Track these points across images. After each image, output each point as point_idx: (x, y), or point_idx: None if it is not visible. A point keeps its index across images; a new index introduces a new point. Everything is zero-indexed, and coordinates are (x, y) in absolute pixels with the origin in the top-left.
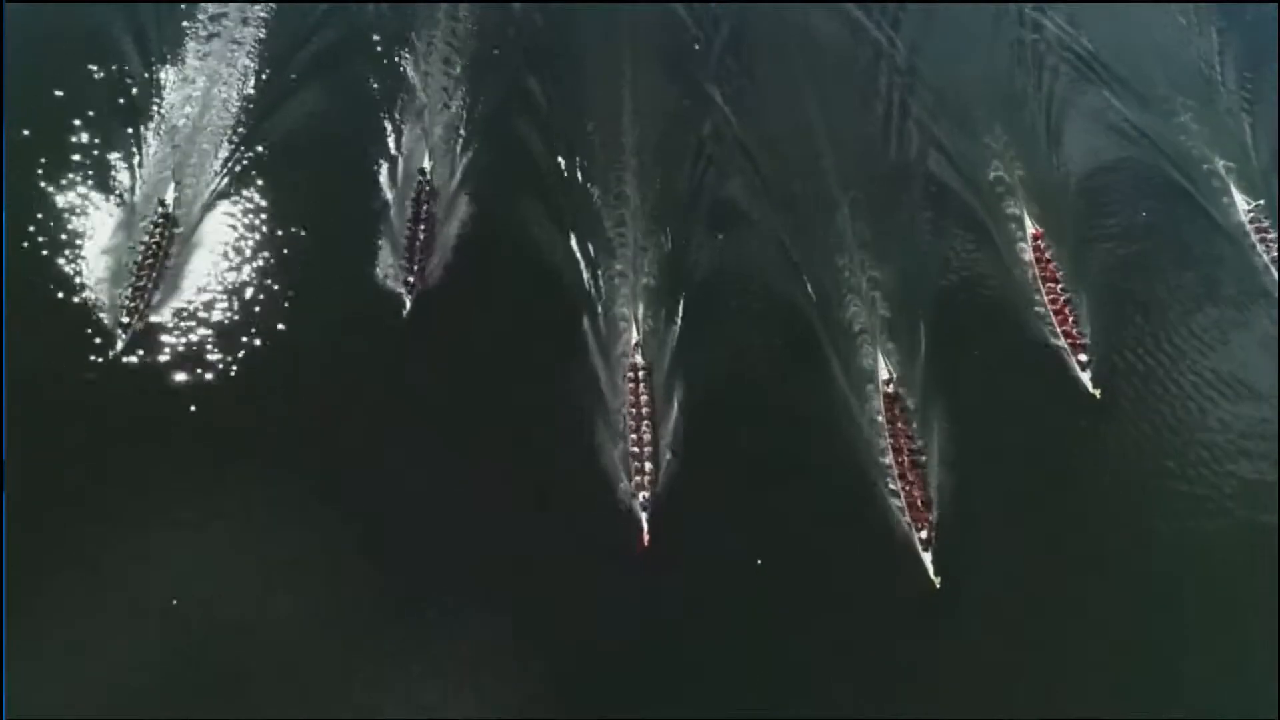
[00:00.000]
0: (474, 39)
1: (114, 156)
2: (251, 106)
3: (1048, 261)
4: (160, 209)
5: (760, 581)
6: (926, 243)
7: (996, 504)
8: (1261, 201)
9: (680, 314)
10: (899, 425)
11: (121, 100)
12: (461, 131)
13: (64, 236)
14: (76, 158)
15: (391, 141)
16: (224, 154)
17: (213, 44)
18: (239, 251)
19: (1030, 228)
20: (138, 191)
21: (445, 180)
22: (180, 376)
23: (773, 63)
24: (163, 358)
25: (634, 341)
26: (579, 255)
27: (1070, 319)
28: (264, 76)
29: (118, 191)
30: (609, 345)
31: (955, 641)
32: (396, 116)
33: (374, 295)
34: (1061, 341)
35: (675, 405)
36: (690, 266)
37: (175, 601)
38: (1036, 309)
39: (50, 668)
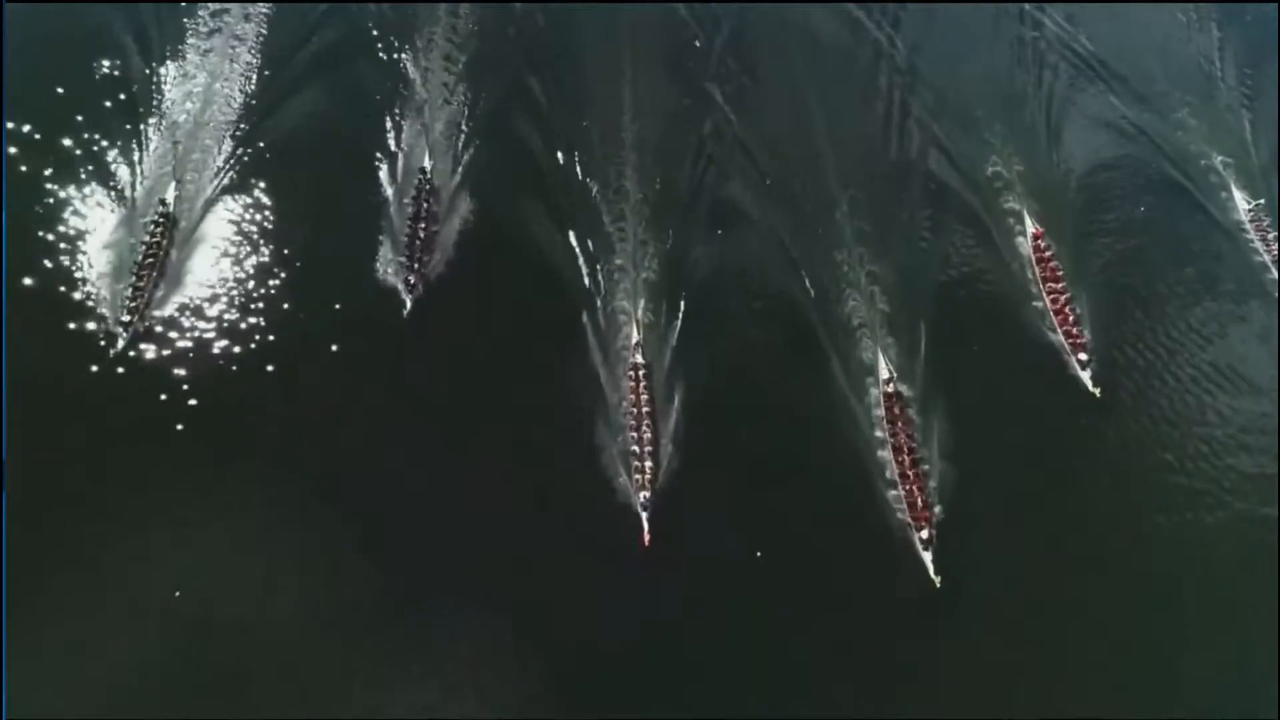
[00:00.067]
0: (474, 38)
1: (115, 155)
2: (252, 105)
3: (1048, 261)
4: (161, 208)
5: (760, 581)
6: (926, 241)
7: (996, 503)
8: (1262, 200)
9: (680, 312)
10: (899, 424)
11: (122, 99)
12: (462, 130)
13: (65, 235)
14: (77, 157)
15: (392, 140)
16: (225, 153)
17: (213, 42)
18: (239, 250)
19: (1030, 227)
20: (138, 190)
21: (446, 179)
22: (180, 376)
23: (773, 62)
24: (163, 357)
25: (634, 341)
26: (579, 254)
27: (1071, 319)
28: (264, 75)
29: (118, 190)
30: (609, 344)
31: (955, 641)
32: (397, 115)
33: (374, 294)
34: (1062, 341)
35: (675, 404)
36: (690, 265)
37: (178, 593)
38: (1035, 305)
39: (50, 668)
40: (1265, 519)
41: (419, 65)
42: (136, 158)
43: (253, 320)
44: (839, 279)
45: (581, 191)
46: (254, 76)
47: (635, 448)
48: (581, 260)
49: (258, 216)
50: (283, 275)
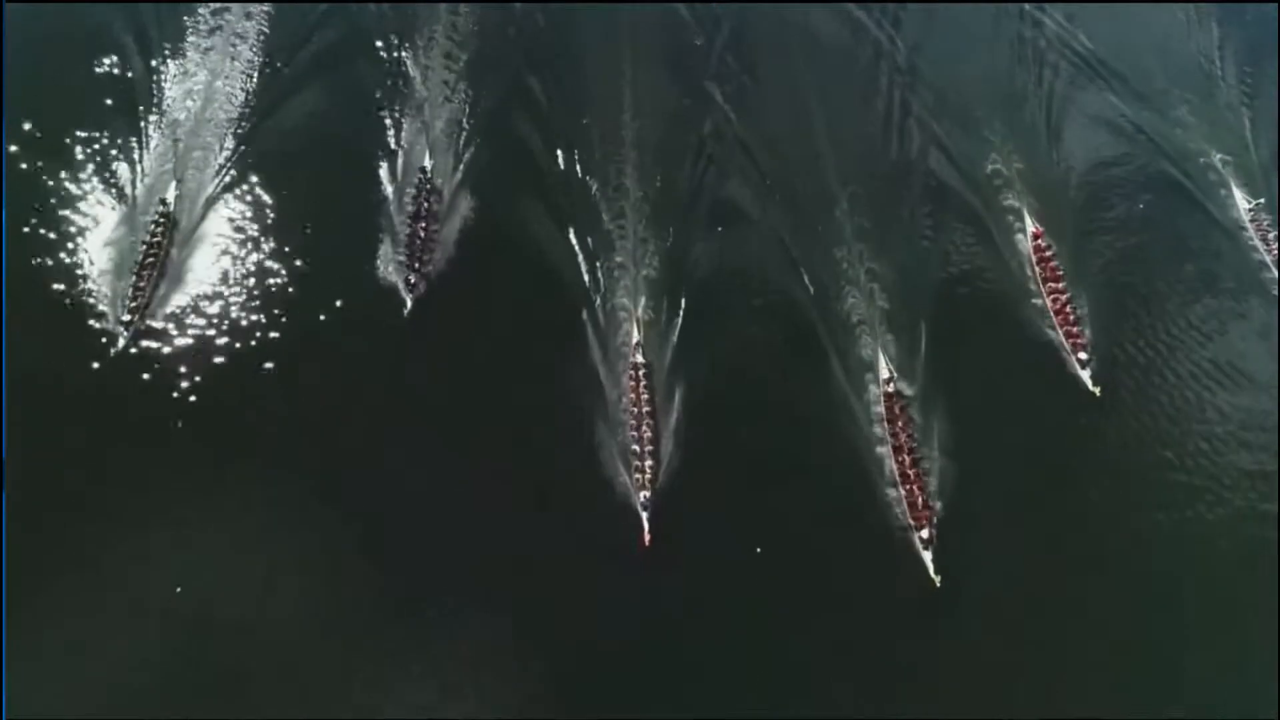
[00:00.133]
0: (475, 37)
1: (115, 155)
2: (253, 105)
3: (1049, 260)
4: (162, 207)
5: (760, 581)
6: (927, 240)
7: (997, 502)
8: (1262, 200)
9: (681, 311)
10: (899, 424)
11: (122, 98)
12: (462, 129)
13: (65, 235)
14: (77, 156)
15: (392, 139)
16: (225, 152)
17: (214, 41)
18: (240, 250)
19: (1030, 226)
20: (139, 189)
21: (446, 178)
22: (181, 375)
23: (773, 61)
24: (164, 356)
25: (635, 340)
26: (579, 253)
27: (1071, 318)
28: (265, 75)
29: (119, 190)
30: (609, 343)
31: (955, 641)
32: (397, 114)
33: (374, 294)
34: (1062, 340)
35: (676, 404)
36: (691, 263)
37: (179, 589)
38: (1035, 304)
39: (50, 667)
40: (1265, 515)
41: (419, 64)
42: (137, 157)
43: (253, 319)
44: (839, 277)
45: (581, 191)
46: (255, 75)
47: (635, 447)
48: (581, 259)
49: (258, 216)
50: (283, 275)
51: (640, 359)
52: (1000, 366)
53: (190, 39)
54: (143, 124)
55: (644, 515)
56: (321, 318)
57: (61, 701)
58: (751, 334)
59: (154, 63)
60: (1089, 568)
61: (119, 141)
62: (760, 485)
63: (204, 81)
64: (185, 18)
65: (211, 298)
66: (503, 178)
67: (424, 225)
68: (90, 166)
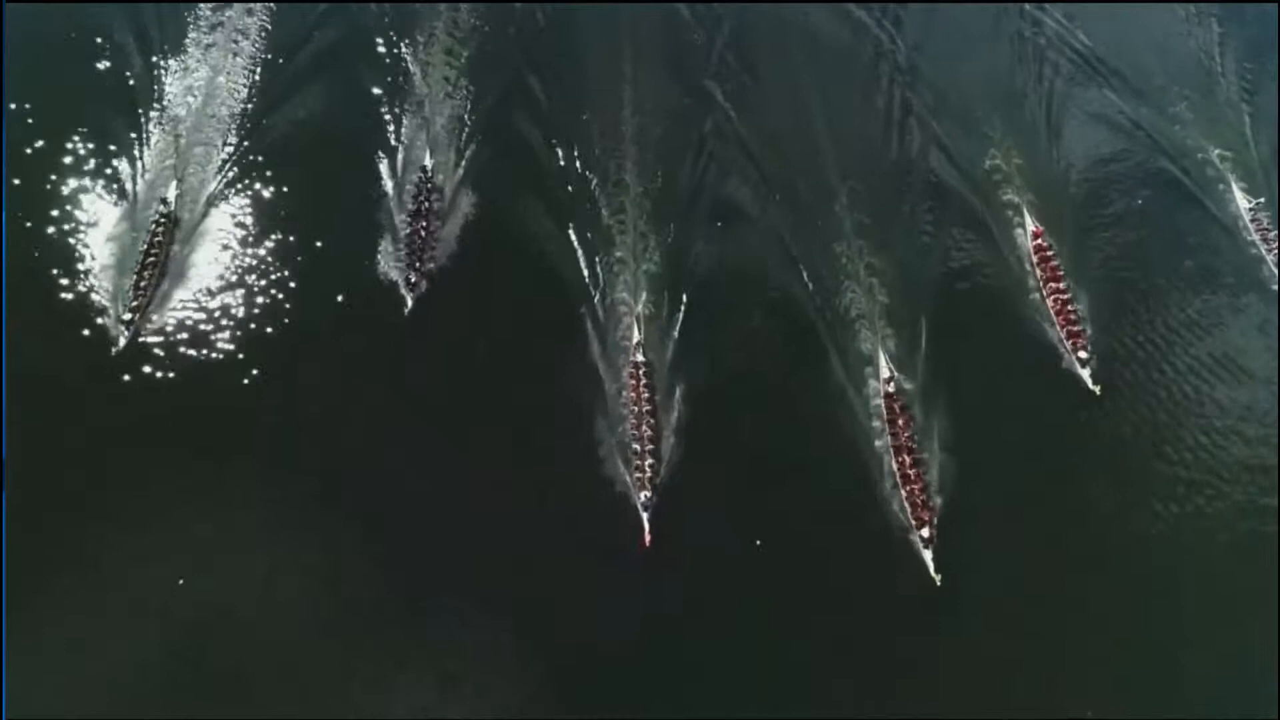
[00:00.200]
0: (475, 36)
1: (116, 153)
2: (253, 104)
3: (1049, 260)
4: (163, 206)
5: (761, 580)
6: (927, 238)
7: (997, 500)
8: (1262, 199)
9: (681, 310)
10: (899, 423)
11: (123, 98)
12: (463, 128)
13: (66, 234)
14: (78, 156)
15: (393, 138)
16: (226, 152)
17: (214, 41)
18: (240, 249)
19: (1030, 225)
20: (140, 189)
21: (446, 176)
22: (181, 375)
23: (773, 60)
24: (164, 356)
25: (635, 340)
26: (580, 253)
27: (1072, 317)
28: (265, 73)
29: (119, 189)
30: (610, 343)
31: (955, 639)
32: (398, 113)
33: (375, 292)
34: (1062, 338)
35: (676, 403)
36: (691, 263)
37: (181, 581)
38: (1035, 303)
39: (50, 667)
40: (1265, 509)
41: (420, 63)
42: (138, 155)
43: (253, 318)
44: (839, 274)
45: (582, 189)
46: (255, 75)
47: (636, 445)
48: (582, 257)
49: (259, 215)
50: (283, 274)
51: (641, 357)
52: (1000, 365)
53: (191, 37)
54: (143, 122)
55: (644, 515)
56: (322, 316)
57: (61, 701)
58: (752, 332)
59: (155, 60)
60: (1089, 565)
61: (120, 140)
62: (760, 484)
63: (205, 79)
64: (186, 15)
65: (212, 297)
66: (503, 176)
67: (424, 223)
68: (91, 165)
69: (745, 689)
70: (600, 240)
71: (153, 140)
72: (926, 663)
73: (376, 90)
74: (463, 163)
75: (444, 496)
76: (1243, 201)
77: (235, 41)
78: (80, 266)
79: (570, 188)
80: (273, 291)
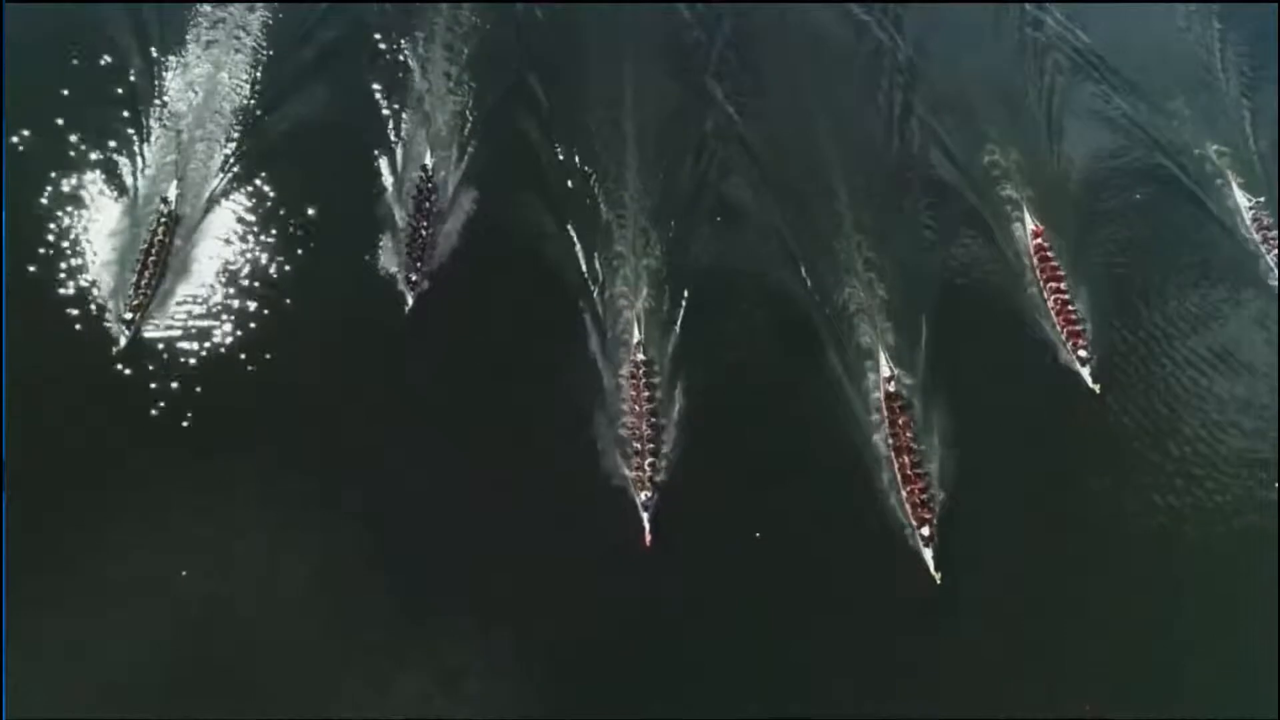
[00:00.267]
0: (476, 36)
1: (116, 154)
2: (254, 103)
3: (1048, 259)
4: (163, 206)
5: (761, 580)
6: (927, 238)
7: (996, 500)
8: (1262, 198)
9: (682, 309)
10: (900, 422)
11: (123, 97)
12: (463, 126)
13: (66, 234)
14: (78, 155)
15: (393, 138)
16: (226, 149)
17: (215, 40)
18: (241, 248)
19: (1030, 224)
20: (140, 188)
21: (447, 176)
22: (181, 374)
23: (774, 60)
24: (164, 355)
25: (636, 339)
26: (580, 252)
27: (1072, 317)
28: (266, 73)
29: (120, 188)
30: (611, 343)
31: (955, 640)
32: (398, 112)
33: (376, 292)
34: (1063, 338)
35: (677, 403)
36: (692, 263)
37: (184, 572)
38: (1035, 302)
39: (50, 667)
40: (1266, 505)
41: (421, 61)
42: (138, 156)
43: (253, 318)
44: (839, 273)
45: (582, 188)
46: (256, 74)
47: (636, 445)
48: (582, 256)
49: (259, 215)
50: (283, 273)
51: (641, 356)
52: (1000, 364)
53: (192, 37)
54: (144, 120)
55: (645, 515)
56: (322, 316)
57: (62, 701)
58: (752, 331)
59: (155, 60)
60: (1089, 567)
61: (121, 138)
62: (761, 484)
63: (206, 75)
64: (187, 12)
65: (212, 296)
66: (504, 174)
67: (425, 222)
68: (92, 163)
69: (745, 689)
70: (600, 238)
71: (153, 138)
72: (926, 663)
73: (377, 88)
74: (463, 161)
75: (444, 496)
76: (1242, 200)
77: (237, 38)
78: (81, 266)
79: (571, 187)
80: (273, 290)
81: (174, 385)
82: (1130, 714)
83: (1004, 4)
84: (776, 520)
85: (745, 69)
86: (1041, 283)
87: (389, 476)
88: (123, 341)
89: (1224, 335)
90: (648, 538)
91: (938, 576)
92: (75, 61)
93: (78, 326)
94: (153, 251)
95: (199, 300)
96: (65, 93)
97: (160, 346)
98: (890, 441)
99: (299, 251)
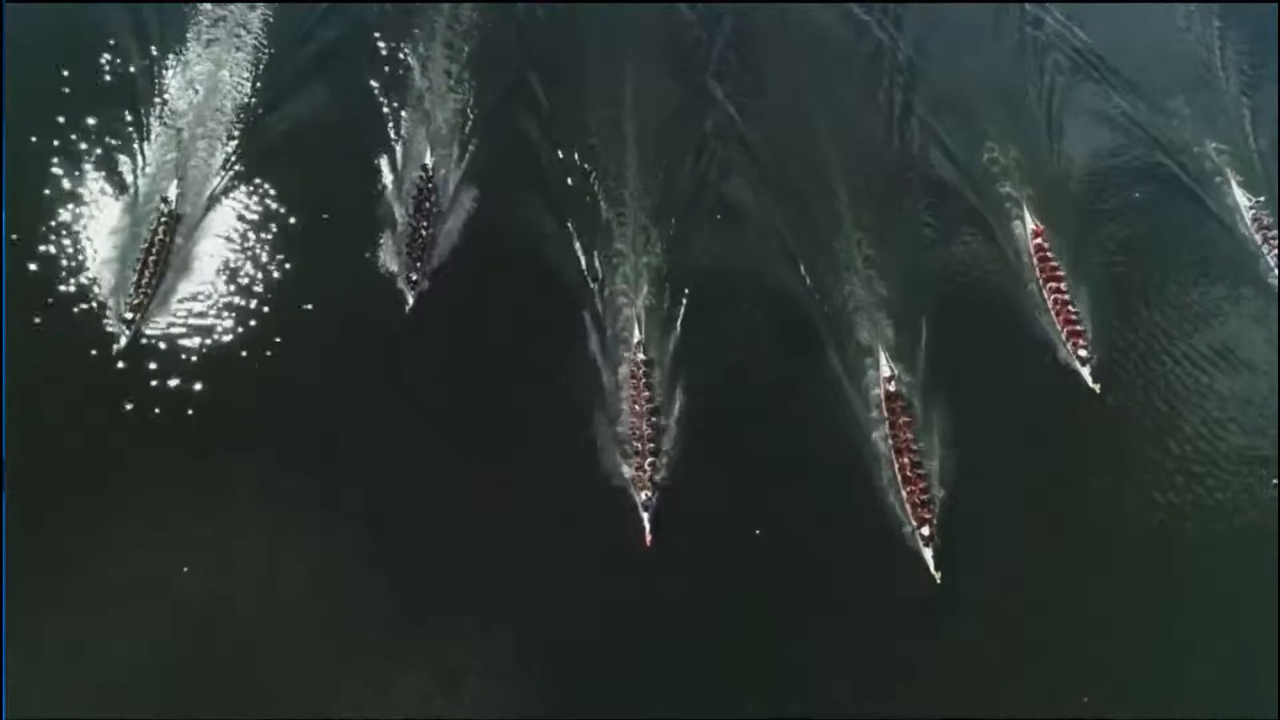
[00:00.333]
0: (476, 35)
1: (116, 153)
2: (254, 102)
3: (1048, 259)
4: (164, 205)
5: (761, 580)
6: (928, 238)
7: (996, 501)
8: (1262, 198)
9: (682, 309)
10: (900, 422)
11: (123, 97)
12: (464, 126)
13: (66, 234)
14: (78, 155)
15: (394, 137)
16: (226, 151)
17: (216, 40)
18: (241, 248)
19: (1030, 224)
20: (141, 188)
21: (447, 175)
22: (182, 374)
23: (775, 59)
24: (165, 355)
25: (636, 339)
26: (580, 252)
27: (1072, 317)
28: (267, 72)
29: (120, 188)
30: (611, 342)
31: (955, 640)
32: (399, 111)
33: (376, 292)
34: (1063, 337)
35: (677, 403)
36: (693, 263)
37: (186, 569)
38: (1036, 302)
39: (50, 667)
40: (1265, 503)
41: (421, 62)
42: (138, 155)
43: (253, 318)
44: (839, 273)
45: (583, 187)
46: (256, 73)
47: (637, 445)
48: (582, 256)
49: (259, 215)
50: (284, 273)
51: (641, 356)
52: (1000, 364)
53: (192, 37)
54: (144, 121)
55: (645, 515)
56: (322, 315)
57: (61, 701)
58: (752, 331)
59: (156, 60)
60: (1089, 566)
61: (121, 136)
62: (761, 484)
63: (206, 80)
64: (188, 10)
65: (212, 296)
66: (504, 174)
67: (425, 222)
68: (92, 163)
69: (745, 689)
70: (601, 237)
71: (153, 137)
72: (926, 663)
73: (377, 88)
74: (464, 160)
75: (444, 496)
76: (1243, 199)
77: (238, 35)
78: (81, 265)
79: (571, 187)
80: (273, 290)
81: (174, 385)
82: (1130, 714)
83: (1004, 4)
84: (776, 520)
85: (745, 69)
86: (1041, 282)
87: (389, 476)
88: (123, 341)
89: (1224, 333)
90: (648, 537)
91: (938, 576)
92: (75, 61)
93: (78, 326)
94: (153, 251)
95: (199, 300)
96: (65, 92)
97: (160, 346)
98: (890, 441)
99: (299, 251)
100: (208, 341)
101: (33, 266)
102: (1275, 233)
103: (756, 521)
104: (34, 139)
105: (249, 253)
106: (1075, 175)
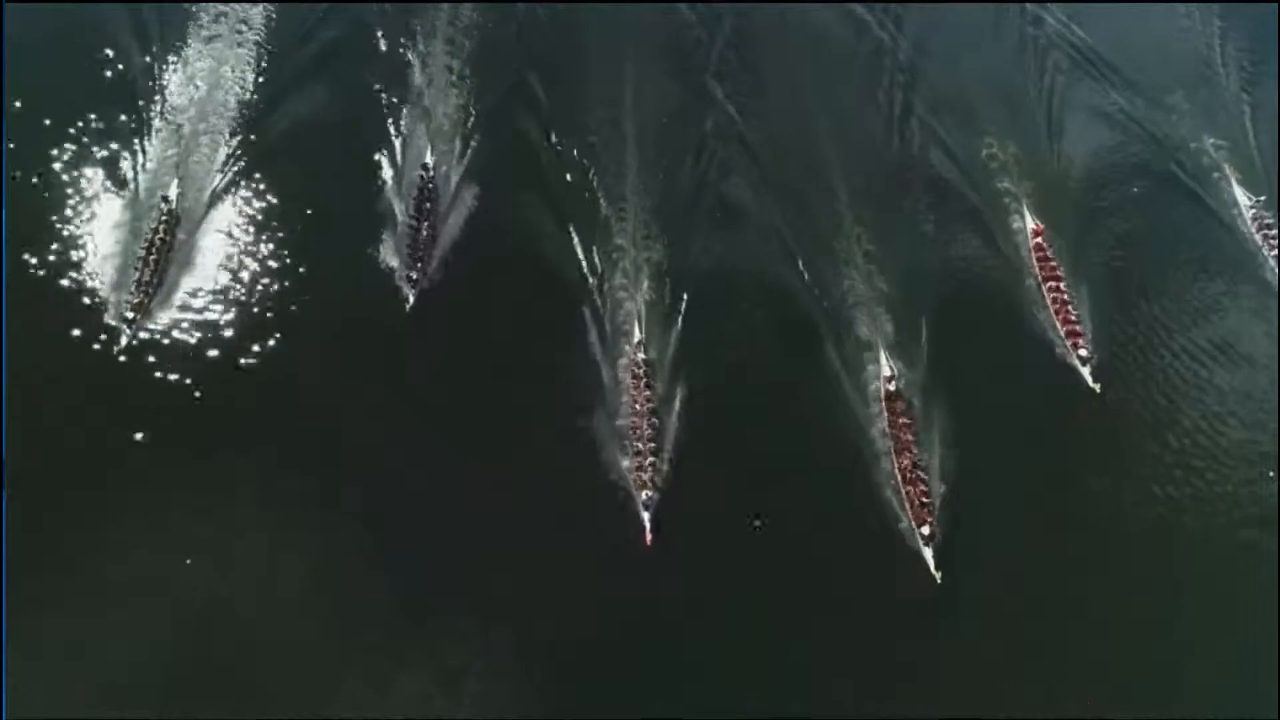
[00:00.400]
0: (477, 35)
1: (117, 153)
2: (255, 101)
3: (1049, 260)
4: (164, 205)
5: (761, 580)
6: (928, 237)
7: (996, 501)
8: (1263, 197)
9: (682, 309)
10: (900, 422)
11: (124, 96)
12: (464, 126)
13: (67, 233)
14: (78, 155)
15: (394, 137)
16: (227, 150)
17: (216, 39)
18: (242, 247)
19: (1031, 224)
20: (141, 187)
21: (448, 175)
22: (182, 374)
23: (775, 59)
24: (165, 354)
25: (637, 339)
26: (581, 251)
27: (1072, 316)
28: (267, 71)
29: (121, 187)
30: (612, 342)
31: (955, 640)
32: (399, 110)
33: (376, 291)
34: (1062, 337)
35: (677, 402)
36: (693, 263)
37: (189, 561)
38: (1036, 301)
39: (50, 667)
40: (1265, 498)
41: (421, 62)
42: (139, 155)
43: (254, 318)
44: (839, 272)
45: (583, 187)
46: (256, 72)
47: (637, 444)
48: (582, 257)
49: (260, 214)
50: (284, 272)
51: (642, 356)
52: (1000, 363)
53: (193, 36)
54: (145, 121)
55: (646, 515)
56: (322, 315)
57: (61, 701)
58: (752, 331)
59: (156, 59)
60: (1089, 567)
61: (121, 138)
62: (761, 483)
63: (206, 79)
64: (189, 7)
65: (213, 296)
66: (504, 173)
67: (426, 222)
68: (92, 163)
69: (745, 689)
70: (601, 237)
71: (155, 134)
72: (926, 663)
73: (378, 87)
74: (464, 160)
75: (444, 496)
76: (1243, 199)
77: (239, 31)
78: (82, 265)
79: (571, 186)
80: (274, 290)
81: (174, 385)
82: (1130, 714)
83: (1004, 4)
84: (777, 520)
85: (745, 69)
86: (1041, 281)
87: (389, 476)
88: (124, 340)
89: (1224, 327)
90: (648, 537)
91: (938, 576)
92: (75, 61)
93: (78, 326)
94: (154, 250)
95: (200, 299)
96: (65, 92)
97: (161, 346)
98: (890, 441)
99: (299, 250)
100: (208, 341)
101: (33, 266)
102: (1275, 231)
103: (759, 527)
104: (34, 138)
105: (249, 252)
106: (1075, 174)
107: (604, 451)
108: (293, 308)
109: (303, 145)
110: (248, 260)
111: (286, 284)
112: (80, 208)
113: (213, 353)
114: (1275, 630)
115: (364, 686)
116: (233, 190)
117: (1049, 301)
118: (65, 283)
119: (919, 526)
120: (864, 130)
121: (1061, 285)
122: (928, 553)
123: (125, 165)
